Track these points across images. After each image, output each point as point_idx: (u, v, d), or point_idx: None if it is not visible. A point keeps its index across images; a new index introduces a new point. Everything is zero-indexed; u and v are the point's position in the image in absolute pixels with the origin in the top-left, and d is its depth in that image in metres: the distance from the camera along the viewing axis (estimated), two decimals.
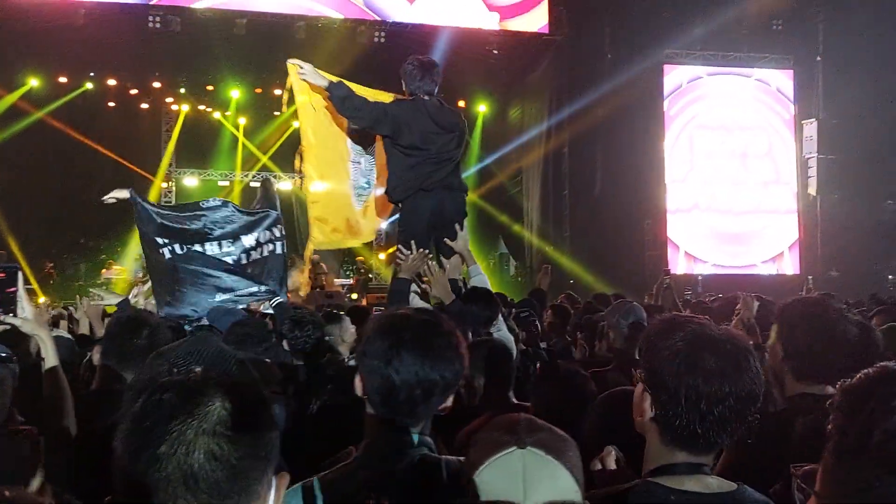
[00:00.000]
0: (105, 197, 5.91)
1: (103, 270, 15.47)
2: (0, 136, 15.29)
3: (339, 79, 5.16)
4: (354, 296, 17.01)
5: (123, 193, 5.76)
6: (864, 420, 0.99)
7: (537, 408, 2.71)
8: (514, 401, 3.06)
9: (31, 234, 15.62)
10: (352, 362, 4.01)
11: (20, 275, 2.31)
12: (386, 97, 5.42)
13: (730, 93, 16.29)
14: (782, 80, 16.48)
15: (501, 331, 3.92)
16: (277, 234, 5.79)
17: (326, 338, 4.18)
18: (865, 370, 1.07)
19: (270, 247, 5.76)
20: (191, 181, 18.48)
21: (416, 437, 1.71)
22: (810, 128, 15.93)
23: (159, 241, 5.42)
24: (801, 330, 2.32)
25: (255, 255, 5.63)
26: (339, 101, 4.99)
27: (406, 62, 5.20)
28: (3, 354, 2.19)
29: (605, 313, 4.37)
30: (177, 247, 5.43)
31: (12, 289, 2.26)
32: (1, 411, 1.91)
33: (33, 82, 16.11)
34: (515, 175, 18.00)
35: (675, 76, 16.16)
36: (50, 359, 2.38)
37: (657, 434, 1.65)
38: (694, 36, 15.86)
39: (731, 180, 16.12)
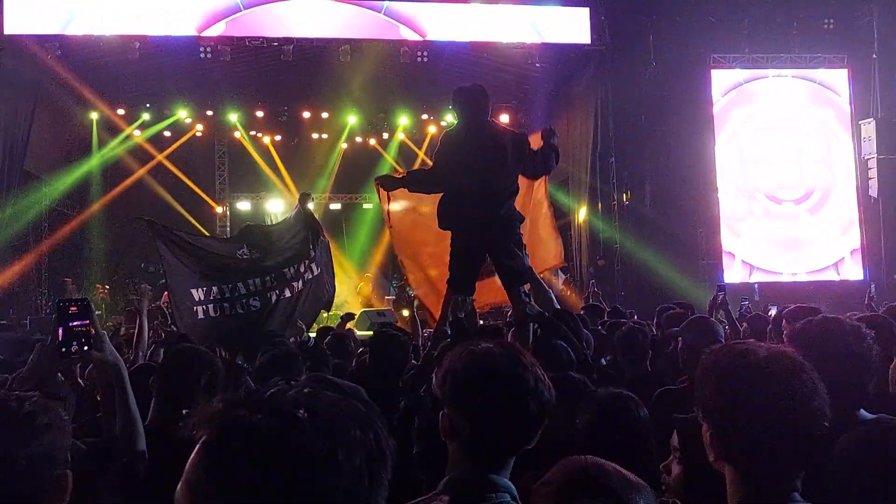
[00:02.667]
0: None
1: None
2: (71, 177, 16.00)
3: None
4: (405, 312, 17.12)
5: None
6: None
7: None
8: None
9: (96, 261, 16.23)
10: None
11: (92, 307, 2.30)
12: None
13: (781, 95, 15.86)
14: (836, 79, 15.97)
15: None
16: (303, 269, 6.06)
17: None
18: None
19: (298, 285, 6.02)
20: (244, 205, 18.94)
21: (499, 481, 1.67)
22: (868, 128, 15.37)
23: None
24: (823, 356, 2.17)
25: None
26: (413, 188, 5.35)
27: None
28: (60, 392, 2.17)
29: (680, 330, 4.19)
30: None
31: (85, 321, 2.26)
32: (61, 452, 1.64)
33: (94, 115, 16.84)
34: (562, 187, 17.88)
35: (723, 80, 15.82)
36: (121, 385, 2.37)
37: (730, 469, 1.60)
38: (741, 39, 15.54)
39: (787, 185, 15.68)
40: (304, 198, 6.75)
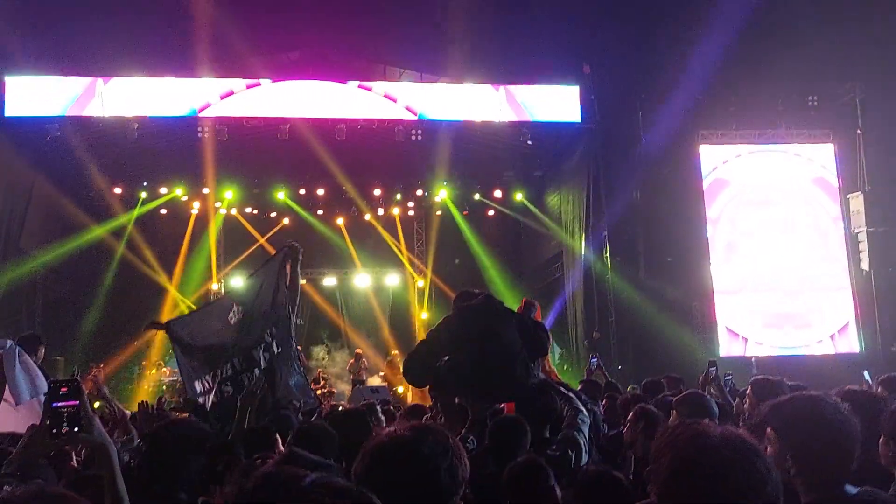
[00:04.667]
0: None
1: (154, 371, 15.75)
2: (67, 255, 16.07)
3: None
4: (401, 389, 16.98)
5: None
6: None
7: None
8: None
9: (87, 341, 16.12)
10: None
11: (82, 387, 2.27)
12: None
13: (770, 170, 16.15)
14: (823, 154, 16.29)
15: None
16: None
17: None
18: None
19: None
20: (238, 282, 18.92)
21: None
22: (856, 201, 15.60)
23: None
24: (805, 435, 2.19)
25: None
26: None
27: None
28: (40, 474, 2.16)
29: (675, 403, 4.35)
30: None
31: (75, 402, 2.23)
32: None
33: (91, 194, 17.00)
34: (556, 261, 17.99)
35: (711, 156, 16.12)
36: (110, 466, 2.34)
37: None
38: (728, 115, 15.92)
39: (779, 258, 15.78)
40: (290, 251, 6.15)
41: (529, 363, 5.03)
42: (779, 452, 2.21)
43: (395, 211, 19.02)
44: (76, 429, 2.23)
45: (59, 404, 2.23)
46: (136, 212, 17.64)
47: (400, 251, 19.62)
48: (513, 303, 7.39)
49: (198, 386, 5.73)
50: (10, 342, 4.69)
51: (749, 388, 4.91)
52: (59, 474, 3.78)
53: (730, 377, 7.93)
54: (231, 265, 19.47)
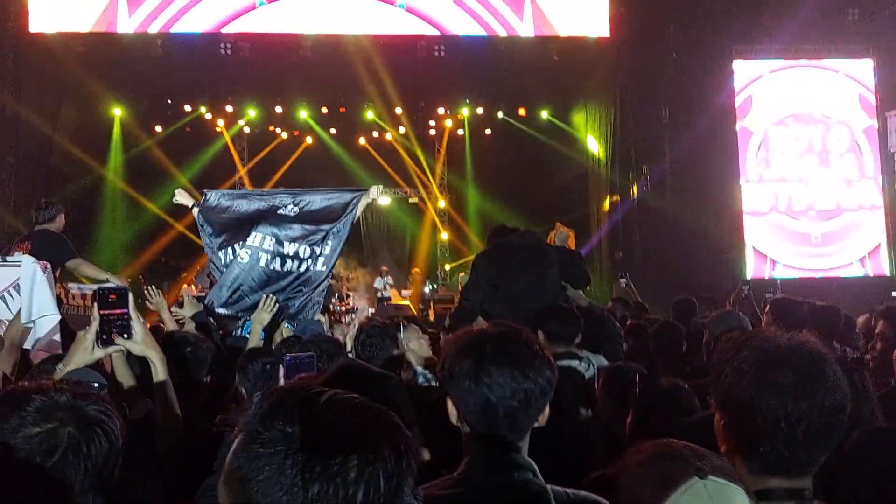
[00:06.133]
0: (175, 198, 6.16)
1: (185, 286, 16.01)
2: (95, 173, 16.22)
3: None
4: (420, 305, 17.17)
5: (187, 200, 6.04)
6: None
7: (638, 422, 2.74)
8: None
9: (117, 256, 16.45)
10: (421, 378, 4.04)
11: (130, 296, 2.30)
12: None
13: (805, 86, 15.58)
14: (861, 70, 15.67)
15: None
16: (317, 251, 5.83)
17: (395, 352, 4.00)
18: None
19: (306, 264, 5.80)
20: None
21: (519, 458, 1.65)
22: (894, 119, 15.07)
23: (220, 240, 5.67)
24: None
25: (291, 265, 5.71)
26: None
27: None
28: (96, 384, 2.12)
29: (708, 322, 4.36)
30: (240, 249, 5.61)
31: (123, 310, 2.26)
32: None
33: (117, 111, 17.08)
34: (581, 181, 17.77)
35: (745, 72, 15.59)
36: (159, 375, 2.38)
37: (742, 462, 1.52)
38: (763, 30, 15.31)
39: (811, 178, 15.40)
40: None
41: (567, 297, 5.21)
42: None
43: (417, 130, 18.84)
44: (125, 335, 2.26)
45: (107, 312, 2.24)
46: (163, 130, 17.71)
47: (422, 171, 19.50)
48: (539, 226, 7.34)
49: (221, 257, 5.65)
50: (29, 260, 4.53)
51: (767, 307, 4.86)
52: None
53: (770, 295, 7.86)
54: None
